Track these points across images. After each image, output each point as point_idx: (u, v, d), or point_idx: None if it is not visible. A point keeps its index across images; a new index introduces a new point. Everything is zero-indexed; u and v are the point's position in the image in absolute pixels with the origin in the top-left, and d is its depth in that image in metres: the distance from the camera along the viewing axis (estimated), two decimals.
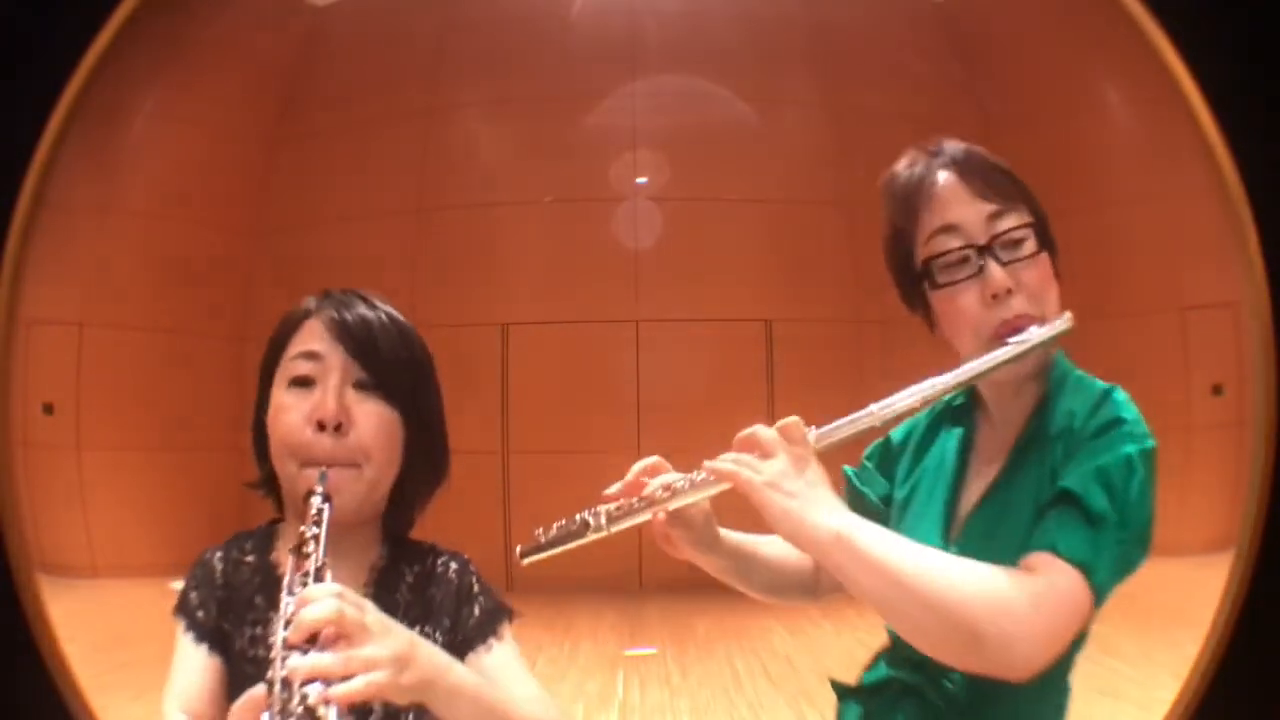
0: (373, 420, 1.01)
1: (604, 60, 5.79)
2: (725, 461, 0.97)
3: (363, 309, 1.05)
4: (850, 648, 3.85)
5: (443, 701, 0.87)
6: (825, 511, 0.91)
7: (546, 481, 5.32)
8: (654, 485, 1.04)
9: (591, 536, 1.03)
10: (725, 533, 1.12)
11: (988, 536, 1.01)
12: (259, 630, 1.00)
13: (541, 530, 1.06)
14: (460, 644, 1.02)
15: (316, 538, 0.90)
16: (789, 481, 0.92)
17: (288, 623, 0.82)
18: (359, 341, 1.02)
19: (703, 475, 1.00)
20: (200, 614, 1.02)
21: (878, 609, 0.92)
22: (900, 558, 0.89)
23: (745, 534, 1.15)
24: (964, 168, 1.04)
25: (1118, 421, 0.96)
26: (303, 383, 1.02)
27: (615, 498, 1.05)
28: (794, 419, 0.98)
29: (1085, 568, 0.90)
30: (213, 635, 1.00)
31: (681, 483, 1.02)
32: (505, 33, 5.99)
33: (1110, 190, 5.46)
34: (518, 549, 1.06)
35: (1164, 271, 5.18)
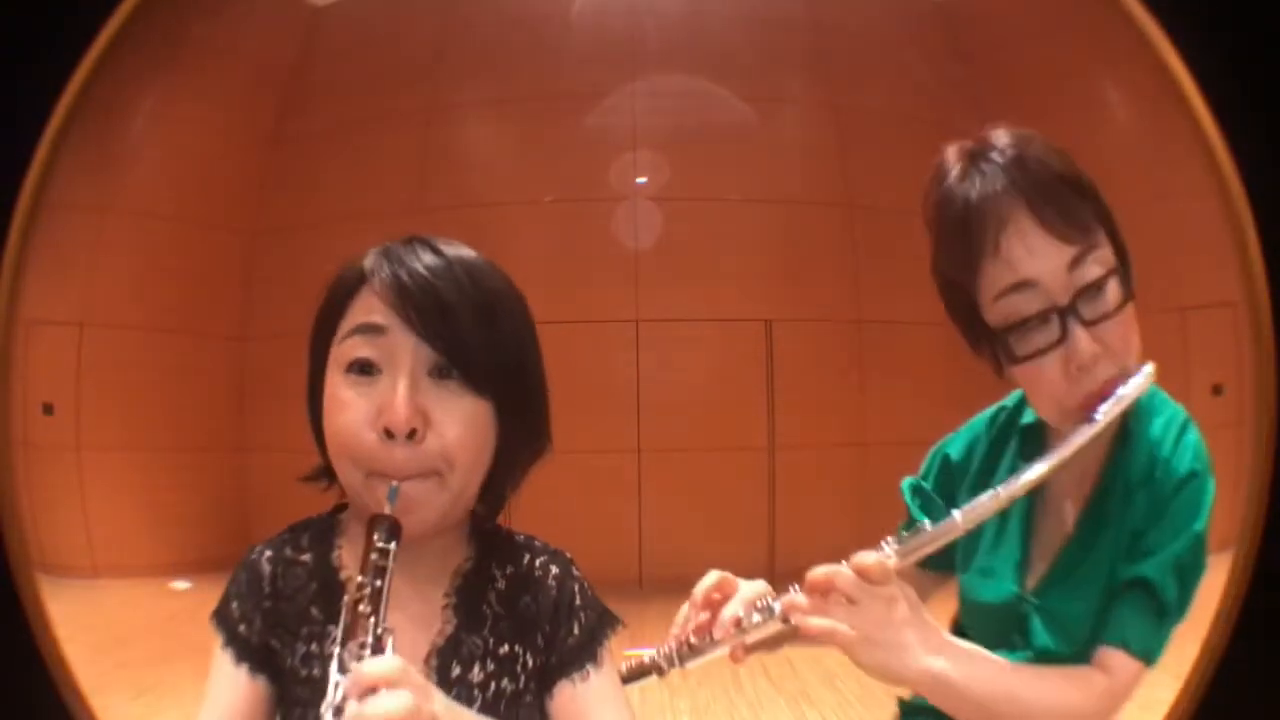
0: (456, 420, 0.80)
1: (604, 60, 5.79)
2: (816, 620, 0.89)
3: (434, 264, 0.81)
4: None
5: None
6: (920, 657, 0.88)
7: (547, 481, 5.31)
8: (725, 619, 0.98)
9: (667, 674, 1.02)
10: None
11: (1068, 592, 1.00)
12: (314, 646, 0.83)
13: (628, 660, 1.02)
14: (553, 668, 0.88)
15: (378, 593, 0.73)
16: (881, 633, 0.86)
17: (339, 709, 0.68)
18: (433, 315, 0.79)
19: (779, 608, 0.93)
20: (243, 628, 0.85)
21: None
22: (990, 689, 0.90)
23: None
24: (1033, 192, 0.88)
25: (1195, 479, 0.93)
26: (364, 368, 0.81)
27: (685, 633, 1.01)
28: (874, 558, 0.88)
29: (1148, 656, 0.95)
30: (256, 655, 0.84)
31: (755, 617, 0.95)
32: (505, 33, 5.99)
33: (1110, 190, 5.45)
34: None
35: (1164, 271, 5.17)
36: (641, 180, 5.95)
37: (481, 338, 0.81)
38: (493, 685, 0.85)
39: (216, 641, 0.85)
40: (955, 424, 1.21)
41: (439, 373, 0.81)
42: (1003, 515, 1.03)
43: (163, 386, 5.43)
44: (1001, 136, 0.94)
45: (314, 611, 0.84)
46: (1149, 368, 0.93)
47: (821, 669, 3.69)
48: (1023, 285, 0.88)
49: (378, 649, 0.71)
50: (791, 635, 0.97)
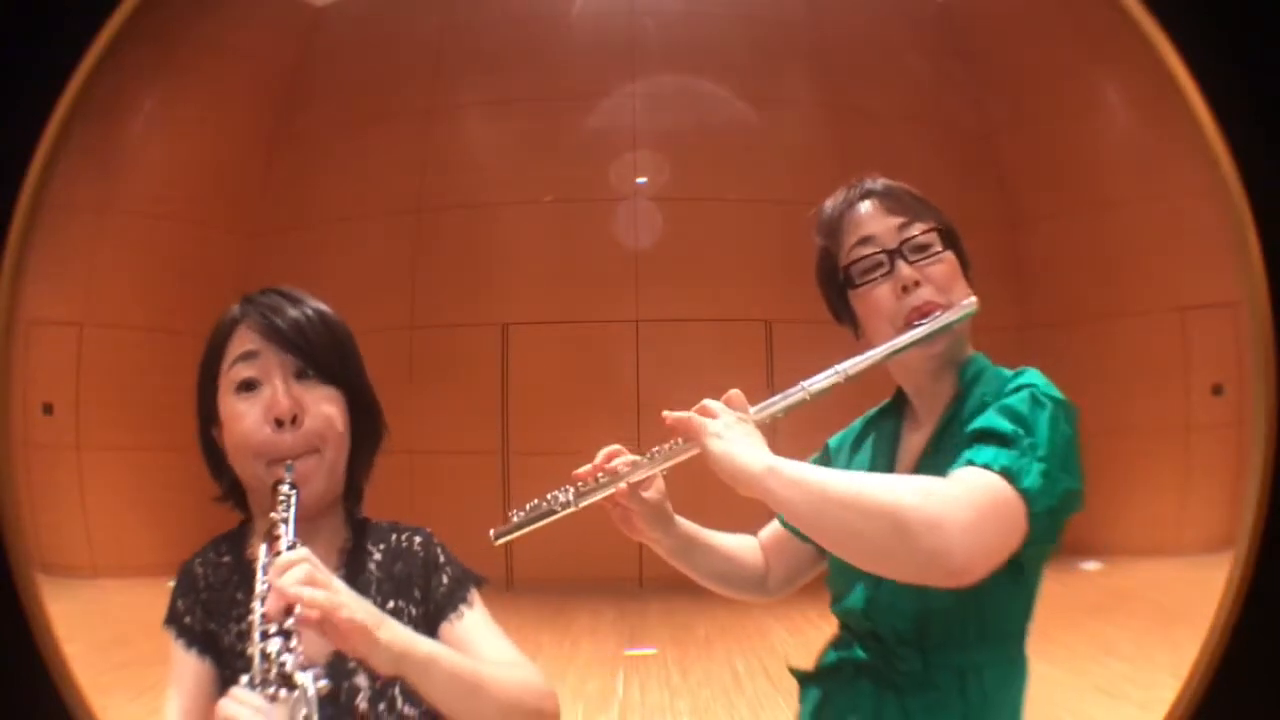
0: (322, 405, 1.06)
1: (604, 60, 5.80)
2: (678, 414, 1.09)
3: (284, 304, 1.09)
4: None
5: (419, 672, 0.92)
6: (758, 451, 1.03)
7: (546, 481, 5.32)
8: (618, 461, 1.14)
9: (561, 513, 1.12)
10: (681, 519, 1.23)
11: None
12: (244, 625, 1.01)
13: (514, 511, 1.12)
14: (433, 614, 1.07)
15: (286, 520, 0.96)
16: (730, 431, 1.06)
17: (264, 598, 0.87)
18: (290, 335, 1.06)
19: (660, 449, 1.12)
20: (188, 619, 1.06)
21: (811, 526, 1.01)
22: (826, 476, 1.00)
23: (697, 525, 1.26)
24: (879, 194, 1.19)
25: (1030, 385, 1.05)
26: (248, 386, 1.05)
27: (583, 476, 1.14)
28: (736, 391, 1.13)
29: (1006, 471, 0.96)
30: (202, 639, 1.04)
31: (643, 458, 1.13)
32: (505, 33, 6.00)
33: (1110, 190, 5.46)
34: (491, 532, 1.13)
35: (1164, 271, 5.18)
36: (641, 180, 5.96)
37: (325, 344, 1.08)
38: None
39: (171, 639, 1.06)
40: None
41: (300, 375, 1.06)
42: (870, 464, 1.21)
43: (163, 386, 5.42)
44: (870, 178, 1.22)
45: (239, 597, 1.05)
46: (972, 299, 1.13)
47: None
48: (865, 239, 1.17)
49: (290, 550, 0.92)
50: (660, 508, 1.19)
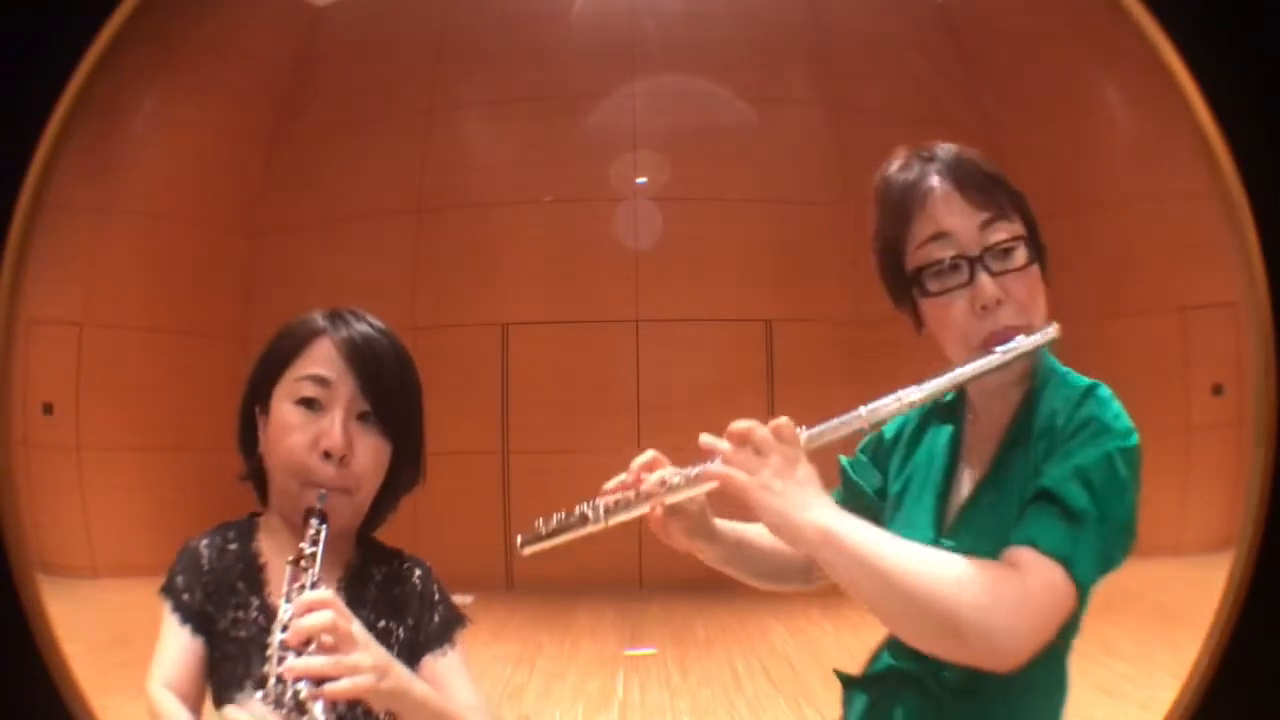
0: (370, 453, 1.08)
1: (604, 60, 5.80)
2: (719, 465, 1.00)
3: (373, 335, 1.09)
4: (851, 648, 3.85)
5: (409, 710, 0.97)
6: (814, 509, 0.95)
7: (546, 481, 5.32)
8: (651, 480, 1.06)
9: (590, 529, 1.05)
10: (721, 522, 1.15)
11: (978, 531, 1.03)
12: (240, 614, 1.07)
13: (541, 521, 1.08)
14: (420, 644, 1.11)
15: (315, 556, 0.99)
16: (779, 481, 0.96)
17: (285, 626, 0.92)
18: (370, 374, 1.07)
19: (697, 471, 1.03)
20: (186, 596, 1.08)
21: (864, 603, 0.95)
22: (884, 553, 0.92)
23: (740, 523, 1.17)
24: (958, 175, 1.05)
25: (1096, 420, 0.99)
26: (309, 404, 1.06)
27: (614, 491, 1.07)
28: (785, 420, 1.01)
29: (1066, 561, 0.92)
30: (197, 617, 1.07)
31: (677, 478, 1.05)
32: (505, 33, 6.00)
33: (1110, 190, 5.46)
34: (518, 538, 1.08)
35: (1164, 271, 5.18)
36: (641, 180, 5.95)
37: (399, 396, 1.09)
38: None
39: (165, 609, 1.08)
40: None
41: (362, 416, 1.07)
42: (924, 477, 1.13)
43: (163, 386, 5.43)
44: (942, 145, 1.09)
45: (240, 586, 1.09)
46: (1053, 327, 1.03)
47: (821, 669, 3.70)
48: (940, 235, 1.03)
49: (315, 589, 0.96)
50: (707, 529, 1.12)
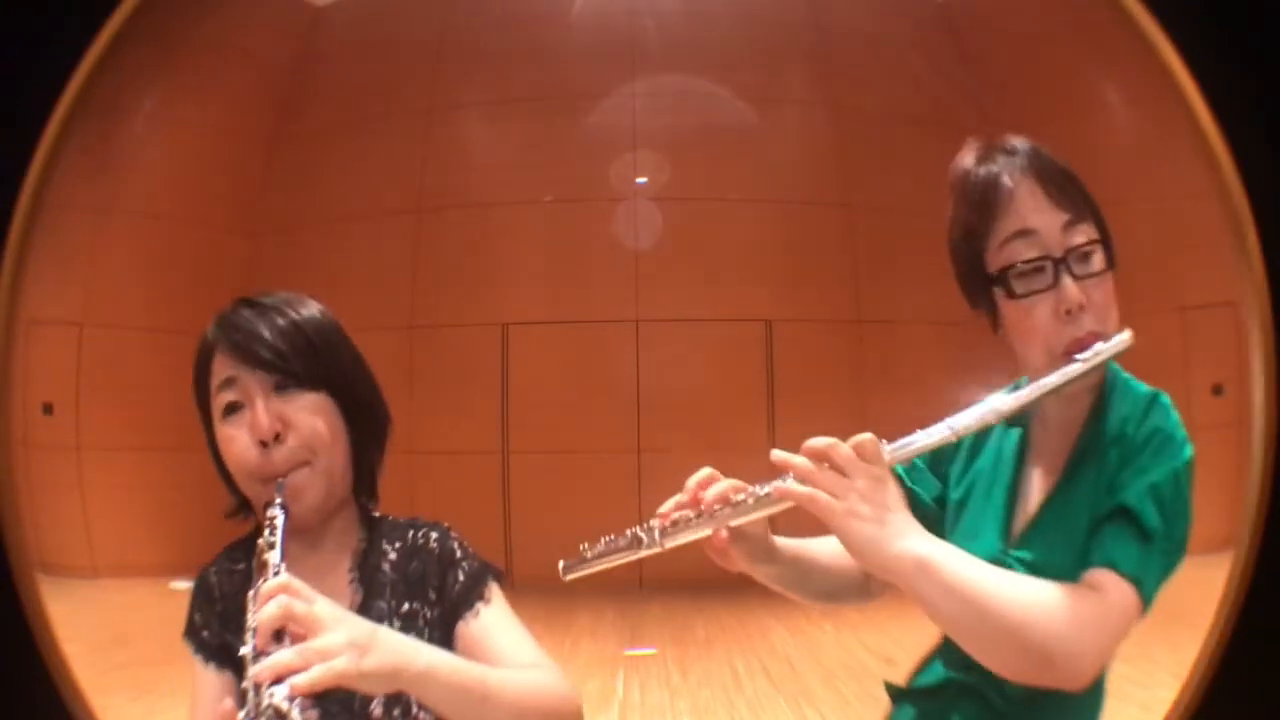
0: (305, 414, 1.04)
1: (604, 60, 5.79)
2: (802, 486, 0.93)
3: (250, 317, 1.06)
4: (851, 648, 3.85)
5: (417, 686, 0.88)
6: (906, 538, 0.91)
7: (546, 481, 5.32)
8: (712, 497, 1.00)
9: (644, 553, 0.99)
10: (781, 541, 1.10)
11: (1049, 542, 1.03)
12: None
13: (587, 546, 1.02)
14: (448, 613, 1.04)
15: (273, 545, 0.95)
16: (868, 507, 0.91)
17: (254, 631, 0.87)
18: (259, 352, 1.04)
19: (768, 491, 0.97)
20: (205, 634, 1.05)
21: (954, 632, 0.94)
22: (980, 585, 0.90)
23: (799, 540, 1.12)
24: (1041, 172, 1.03)
25: (1166, 431, 0.99)
26: (234, 408, 1.05)
27: (670, 513, 1.01)
28: (869, 436, 0.95)
29: (1138, 582, 0.94)
30: (219, 652, 1.04)
31: (744, 497, 0.98)
32: (505, 33, 5.99)
33: (1110, 190, 5.44)
34: (560, 564, 1.03)
35: (1164, 271, 5.18)
36: (641, 180, 5.95)
37: (296, 350, 1.04)
38: None
39: (190, 649, 1.06)
40: None
41: (279, 387, 1.04)
42: (989, 483, 1.11)
43: (163, 386, 5.41)
44: (1018, 137, 1.08)
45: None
46: (1128, 332, 1.02)
47: (821, 669, 3.70)
48: (1026, 232, 1.01)
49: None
50: (771, 552, 1.06)
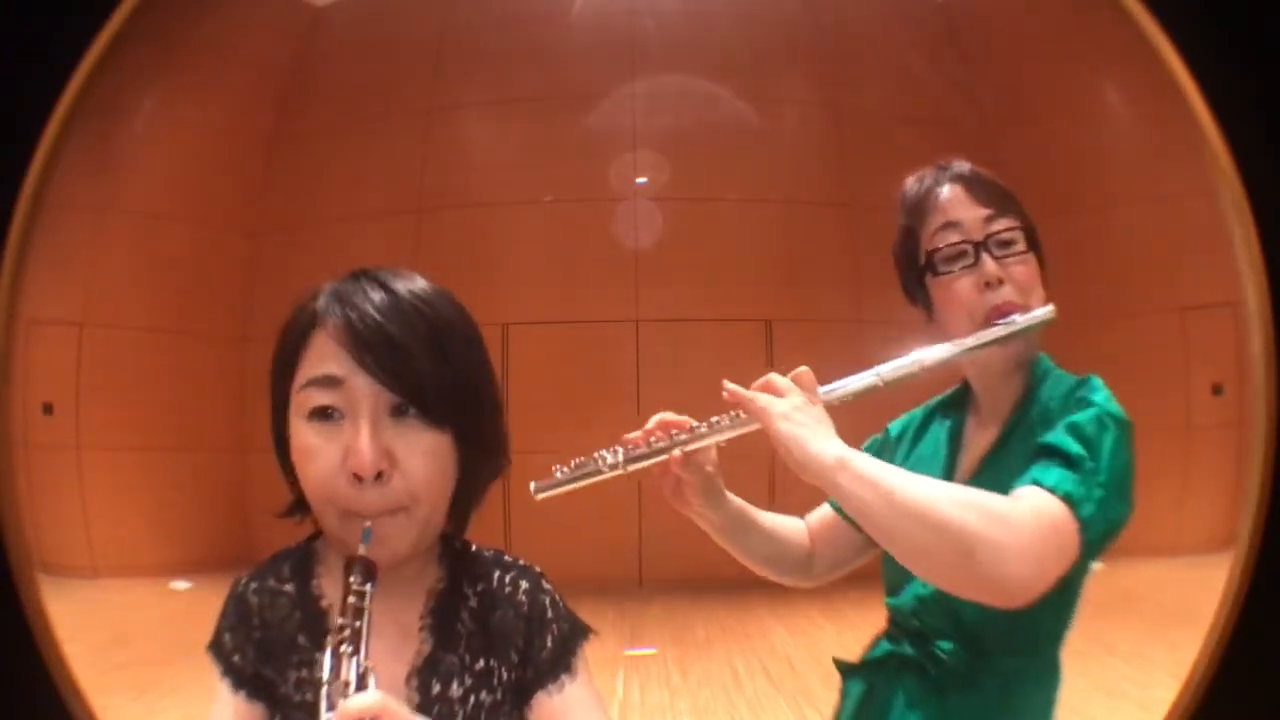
0: (419, 456, 0.83)
1: (604, 60, 5.80)
2: (746, 391, 1.06)
3: (383, 306, 0.83)
4: (851, 648, 3.84)
5: None
6: (831, 440, 1.01)
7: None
8: (670, 425, 1.12)
9: (608, 474, 1.08)
10: (732, 496, 1.20)
11: None
12: (305, 672, 0.87)
13: (558, 467, 1.09)
14: (529, 680, 0.90)
15: (358, 634, 0.77)
16: (799, 414, 1.03)
17: None
18: (387, 359, 0.81)
19: (719, 420, 1.08)
20: (237, 658, 0.88)
21: (877, 529, 0.99)
22: (898, 479, 0.98)
23: (748, 504, 1.22)
24: (967, 180, 1.18)
25: (1089, 400, 1.07)
26: (325, 414, 0.83)
27: (632, 440, 1.11)
28: (805, 368, 1.09)
29: (1068, 498, 0.98)
30: (251, 682, 0.88)
31: (701, 427, 1.10)
32: (505, 33, 6.00)
33: (1110, 190, 5.45)
34: (531, 484, 1.08)
35: (1164, 271, 5.18)
36: (641, 180, 5.95)
37: (436, 374, 0.83)
38: (471, 699, 0.89)
39: (214, 671, 0.89)
40: None
41: (398, 411, 0.83)
42: (932, 454, 1.21)
43: (163, 386, 5.43)
44: (958, 162, 1.21)
45: (301, 640, 0.88)
46: (1050, 307, 1.12)
47: (822, 669, 3.69)
48: (950, 225, 1.15)
49: (361, 687, 0.75)
50: (711, 488, 1.16)
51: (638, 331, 5.97)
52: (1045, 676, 1.10)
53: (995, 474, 1.09)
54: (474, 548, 0.95)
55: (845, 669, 1.23)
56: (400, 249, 5.93)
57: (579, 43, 5.79)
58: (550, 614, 0.92)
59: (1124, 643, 3.76)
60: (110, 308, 5.46)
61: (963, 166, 1.20)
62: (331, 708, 0.74)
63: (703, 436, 1.09)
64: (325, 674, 0.76)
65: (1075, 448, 1.01)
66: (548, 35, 5.88)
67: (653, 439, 1.10)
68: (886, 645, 1.17)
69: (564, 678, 0.90)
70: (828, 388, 1.08)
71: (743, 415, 1.06)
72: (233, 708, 0.87)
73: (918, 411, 1.29)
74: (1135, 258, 5.28)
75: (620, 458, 1.09)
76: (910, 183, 1.23)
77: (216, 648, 0.89)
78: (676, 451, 1.10)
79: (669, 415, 1.13)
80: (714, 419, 1.09)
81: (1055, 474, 1.00)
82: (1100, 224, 5.38)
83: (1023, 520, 0.95)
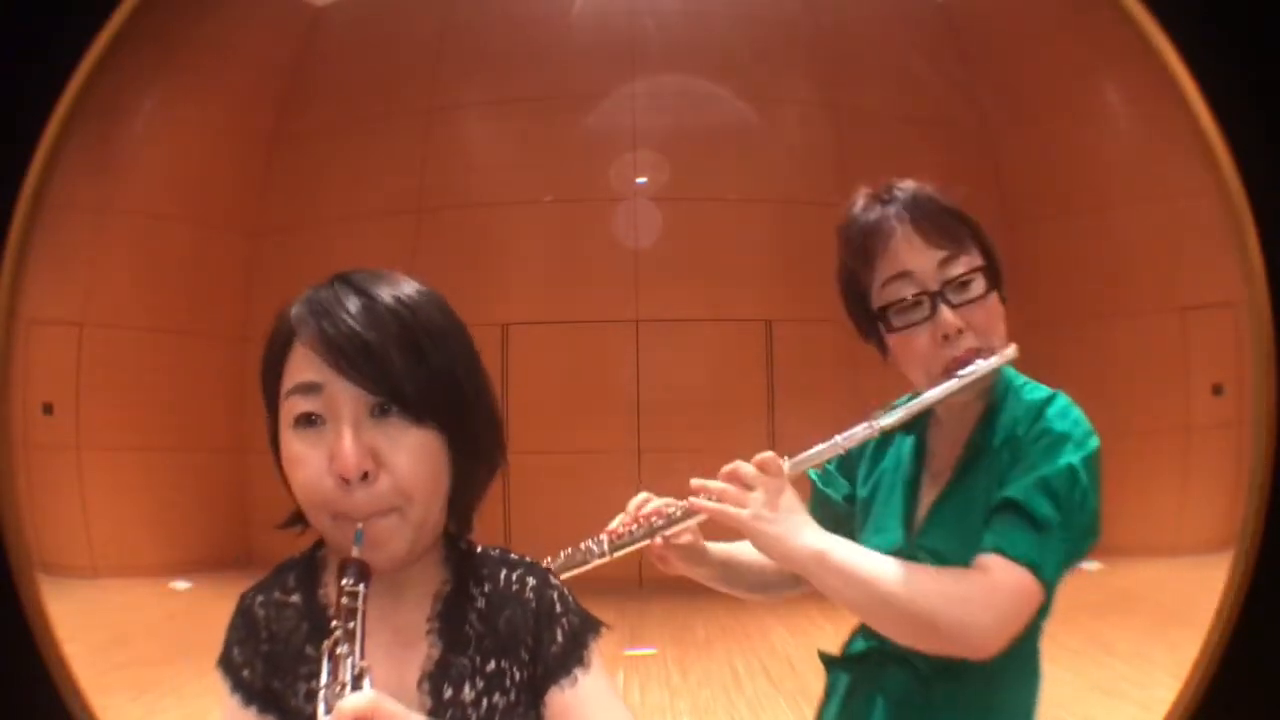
0: (405, 454, 0.83)
1: (604, 60, 5.80)
2: (711, 501, 1.08)
3: (355, 309, 0.83)
4: None
5: None
6: (804, 534, 1.04)
7: (546, 481, 5.32)
8: (647, 511, 1.15)
9: (595, 562, 1.13)
10: (711, 545, 1.24)
11: (946, 533, 1.12)
12: (314, 684, 0.84)
13: (550, 559, 1.11)
14: (542, 677, 0.89)
15: (351, 634, 0.77)
16: (769, 511, 1.05)
17: None
18: (362, 362, 0.81)
19: (691, 503, 1.10)
20: (246, 673, 0.87)
21: (853, 611, 1.06)
22: (870, 571, 1.02)
23: (727, 544, 1.25)
24: (916, 214, 1.10)
25: (1057, 431, 1.06)
26: (310, 421, 0.83)
27: (615, 531, 1.15)
28: (770, 454, 1.09)
29: (1034, 567, 1.00)
30: (262, 696, 0.87)
31: (675, 510, 1.12)
32: (505, 33, 6.00)
33: (1110, 190, 5.45)
34: None
35: (1164, 271, 5.18)
36: (641, 180, 5.95)
37: (412, 372, 0.83)
38: (484, 702, 0.88)
39: (224, 687, 0.88)
40: None
41: (380, 411, 0.82)
42: (891, 483, 1.21)
43: (163, 386, 5.43)
44: (903, 182, 1.14)
45: (309, 651, 0.87)
46: (1012, 348, 1.09)
47: (821, 669, 3.70)
48: (902, 275, 1.09)
49: (357, 687, 0.75)
50: (703, 557, 1.21)
51: (638, 331, 5.97)
52: (1027, 670, 1.12)
53: (958, 504, 1.11)
54: (479, 548, 0.95)
55: (829, 662, 1.25)
56: (400, 249, 5.94)
57: (579, 42, 5.79)
58: (559, 608, 0.91)
59: (1124, 643, 3.76)
60: (110, 308, 5.46)
61: (907, 193, 1.12)
62: (328, 710, 0.74)
63: (678, 521, 1.12)
64: (322, 677, 0.76)
65: (1043, 509, 1.02)
66: (548, 35, 5.88)
67: (634, 528, 1.14)
68: (864, 639, 1.19)
69: (577, 671, 0.89)
70: (793, 462, 1.10)
71: (715, 500, 1.08)
72: (241, 718, 0.86)
73: None
74: (1135, 258, 5.28)
75: (605, 546, 1.14)
76: (854, 214, 1.15)
77: (226, 663, 0.88)
78: (657, 539, 1.14)
79: (643, 497, 1.16)
80: (687, 502, 1.11)
81: (1021, 542, 1.01)
82: (1100, 224, 5.38)
83: (984, 596, 1.00)
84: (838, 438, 1.10)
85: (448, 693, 0.88)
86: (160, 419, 5.43)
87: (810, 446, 1.10)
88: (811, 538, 1.04)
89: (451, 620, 0.89)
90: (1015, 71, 5.72)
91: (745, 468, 1.07)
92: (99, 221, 5.34)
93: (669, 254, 5.90)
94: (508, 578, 0.92)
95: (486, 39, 6.00)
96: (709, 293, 5.94)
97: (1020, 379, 1.14)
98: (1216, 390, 5.09)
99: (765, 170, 5.91)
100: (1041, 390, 1.12)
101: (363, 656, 0.76)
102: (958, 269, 1.08)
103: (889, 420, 1.10)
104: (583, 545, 1.14)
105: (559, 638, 0.90)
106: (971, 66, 5.77)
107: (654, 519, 1.13)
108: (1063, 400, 1.10)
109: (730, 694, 3.74)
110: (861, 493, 1.26)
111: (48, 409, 5.12)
